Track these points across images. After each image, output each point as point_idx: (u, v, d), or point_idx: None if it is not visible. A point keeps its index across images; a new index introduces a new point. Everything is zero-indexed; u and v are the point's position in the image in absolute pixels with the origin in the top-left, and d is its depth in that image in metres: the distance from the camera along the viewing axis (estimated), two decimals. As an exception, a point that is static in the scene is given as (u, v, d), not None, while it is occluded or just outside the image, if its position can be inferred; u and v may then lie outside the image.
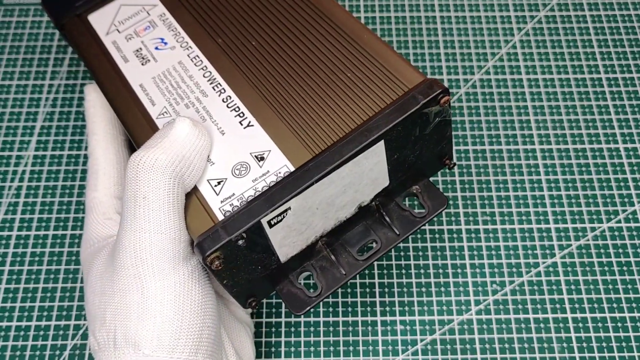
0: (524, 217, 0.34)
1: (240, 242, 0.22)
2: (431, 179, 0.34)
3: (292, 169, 0.24)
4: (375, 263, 0.33)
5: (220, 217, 0.23)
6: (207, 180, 0.24)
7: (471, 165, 0.35)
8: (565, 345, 0.31)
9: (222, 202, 0.23)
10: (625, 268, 0.32)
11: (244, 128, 0.25)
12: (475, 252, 0.33)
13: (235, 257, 0.22)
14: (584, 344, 0.31)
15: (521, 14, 0.40)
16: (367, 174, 0.25)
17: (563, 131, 0.36)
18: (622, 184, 0.35)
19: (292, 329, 0.31)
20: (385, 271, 0.32)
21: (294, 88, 0.26)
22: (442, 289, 0.32)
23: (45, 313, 0.32)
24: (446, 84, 0.38)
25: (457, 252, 0.33)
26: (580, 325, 0.31)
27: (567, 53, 0.39)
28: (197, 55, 0.29)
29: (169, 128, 0.23)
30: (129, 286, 0.22)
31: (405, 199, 0.28)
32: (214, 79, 0.27)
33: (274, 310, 0.32)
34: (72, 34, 0.31)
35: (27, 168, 0.36)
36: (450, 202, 0.34)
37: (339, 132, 0.24)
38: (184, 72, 0.28)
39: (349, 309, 0.32)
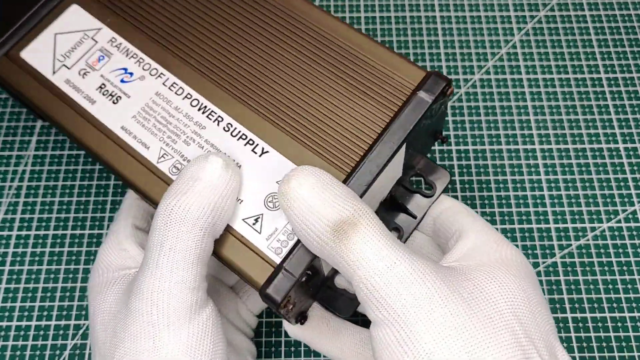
0: (524, 217, 0.34)
1: (303, 279, 0.22)
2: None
3: None
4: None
5: (272, 256, 0.22)
6: (243, 219, 0.23)
7: (471, 165, 0.35)
8: (565, 345, 0.31)
9: (267, 239, 0.22)
10: (625, 268, 0.32)
11: (260, 156, 0.24)
12: (475, 252, 0.33)
13: (297, 291, 0.22)
14: (584, 344, 0.31)
15: (521, 14, 0.40)
16: (390, 175, 0.25)
17: (563, 131, 0.36)
18: (622, 184, 0.35)
19: (292, 329, 0.31)
20: (385, 271, 0.32)
21: (295, 103, 0.25)
22: (442, 288, 0.32)
23: (45, 313, 0.32)
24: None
25: (457, 252, 0.33)
26: (580, 325, 0.31)
27: (567, 53, 0.39)
28: (174, 83, 0.25)
29: (200, 168, 0.22)
30: (142, 332, 0.22)
31: (411, 179, 0.28)
32: (204, 106, 0.25)
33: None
34: (8, 79, 0.26)
35: (27, 168, 0.36)
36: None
37: (361, 144, 0.23)
38: (166, 104, 0.25)
39: (349, 308, 0.32)
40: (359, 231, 0.20)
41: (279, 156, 0.24)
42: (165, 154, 0.24)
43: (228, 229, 0.23)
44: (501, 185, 0.35)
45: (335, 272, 0.26)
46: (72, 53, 0.26)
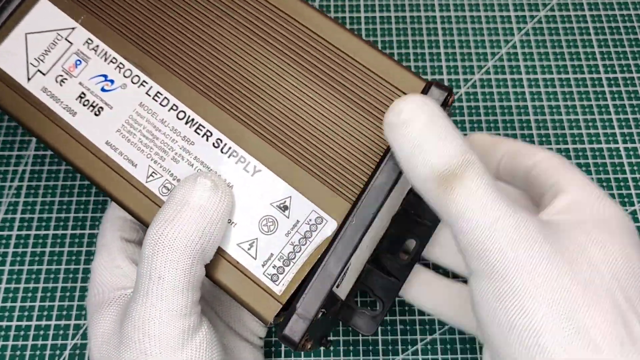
0: (524, 217, 0.34)
1: (319, 316, 0.21)
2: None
3: (321, 212, 0.22)
4: (375, 263, 0.33)
5: (268, 283, 0.22)
6: (237, 244, 0.22)
7: (471, 165, 0.35)
8: (565, 345, 0.31)
9: (262, 265, 0.22)
10: (625, 268, 0.32)
11: (252, 175, 0.22)
12: (475, 252, 0.33)
13: (314, 325, 0.22)
14: (584, 344, 0.31)
15: (521, 14, 0.40)
16: (398, 192, 0.24)
17: (563, 131, 0.36)
18: (622, 184, 0.35)
19: (292, 329, 0.31)
20: (385, 271, 0.32)
21: (290, 118, 0.23)
22: (442, 288, 0.32)
23: (45, 313, 0.32)
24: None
25: (457, 252, 0.33)
26: (580, 325, 0.31)
27: (567, 53, 0.39)
28: (158, 92, 0.23)
29: (188, 191, 0.22)
30: None
31: None
32: (192, 119, 0.23)
33: (274, 310, 0.32)
34: None
35: (27, 168, 0.36)
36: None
37: (363, 167, 0.22)
38: (151, 116, 0.23)
39: (349, 308, 0.32)
40: (465, 184, 0.19)
41: (271, 175, 0.22)
42: (154, 172, 0.23)
43: (223, 254, 0.22)
44: (501, 185, 0.35)
45: (352, 294, 0.25)
46: (46, 56, 0.24)
